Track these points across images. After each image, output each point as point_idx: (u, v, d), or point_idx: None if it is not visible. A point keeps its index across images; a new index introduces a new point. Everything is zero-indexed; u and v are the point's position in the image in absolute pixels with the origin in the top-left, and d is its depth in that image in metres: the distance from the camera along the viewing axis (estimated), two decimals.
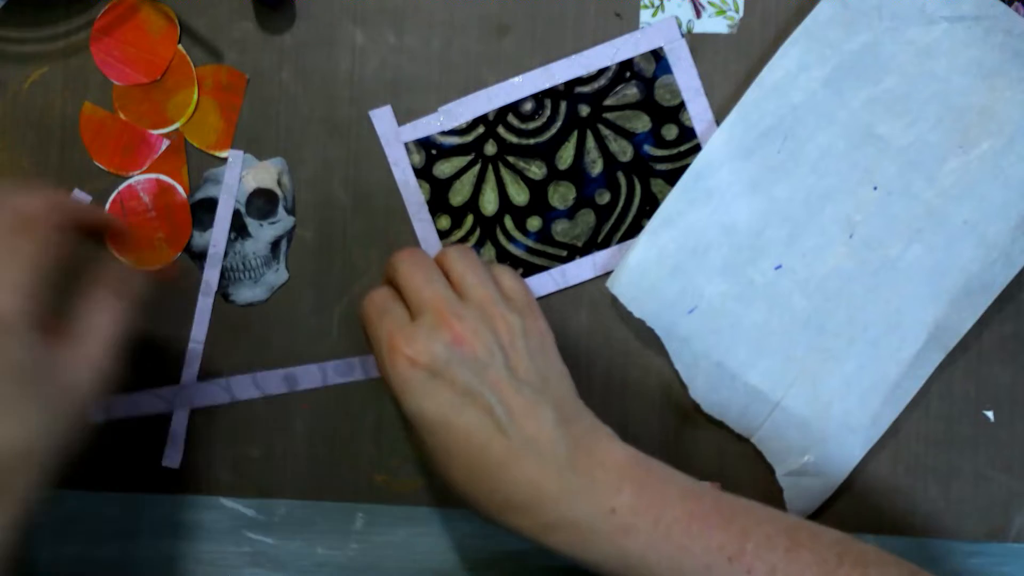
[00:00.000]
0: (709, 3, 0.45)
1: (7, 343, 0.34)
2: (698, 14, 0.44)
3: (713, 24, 0.44)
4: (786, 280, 0.43)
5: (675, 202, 0.44)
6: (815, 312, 0.43)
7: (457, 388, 0.35)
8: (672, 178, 0.45)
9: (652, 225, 0.44)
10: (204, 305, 0.45)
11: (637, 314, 0.43)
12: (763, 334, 0.43)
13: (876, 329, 0.43)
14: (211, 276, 0.45)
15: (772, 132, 0.43)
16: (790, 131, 0.43)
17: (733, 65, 0.44)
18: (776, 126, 0.43)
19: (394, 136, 0.45)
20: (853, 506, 0.44)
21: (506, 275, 0.40)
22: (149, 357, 0.45)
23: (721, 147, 0.43)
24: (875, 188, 0.43)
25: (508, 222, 0.45)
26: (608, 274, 0.44)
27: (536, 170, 0.45)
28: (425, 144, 0.45)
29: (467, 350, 0.36)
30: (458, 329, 0.36)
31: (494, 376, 0.36)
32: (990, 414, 0.44)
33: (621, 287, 0.44)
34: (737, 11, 0.44)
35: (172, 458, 0.45)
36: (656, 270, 0.43)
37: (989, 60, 0.42)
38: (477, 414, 0.35)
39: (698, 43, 0.44)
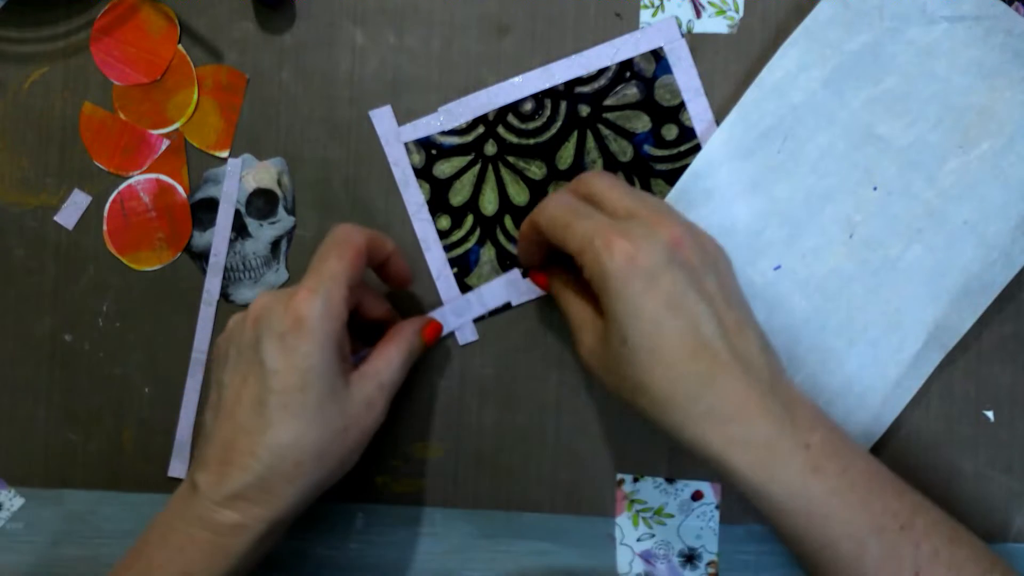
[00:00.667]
0: (709, 3, 0.44)
1: (306, 347, 0.36)
2: (698, 14, 0.44)
3: (713, 24, 0.44)
4: (786, 280, 0.43)
5: (674, 203, 0.44)
6: (815, 312, 0.43)
7: (676, 291, 0.34)
8: (672, 178, 0.45)
9: None
10: (206, 314, 0.45)
11: None
12: None
13: (876, 329, 0.43)
14: (212, 285, 0.45)
15: (772, 132, 0.43)
16: (790, 131, 0.43)
17: (733, 65, 0.44)
18: (776, 126, 0.43)
19: (394, 136, 0.45)
20: None
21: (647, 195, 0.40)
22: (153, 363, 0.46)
23: (720, 147, 0.43)
24: (875, 188, 0.43)
25: (508, 222, 0.45)
26: None
27: (536, 170, 0.45)
28: (425, 144, 0.45)
29: (685, 255, 0.35)
30: (677, 232, 0.35)
31: (708, 287, 0.35)
32: (990, 414, 0.44)
33: None
34: (737, 11, 0.44)
35: (177, 468, 0.45)
36: None
37: (989, 60, 0.42)
38: (691, 320, 0.34)
39: (698, 43, 0.44)
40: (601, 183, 0.38)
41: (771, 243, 0.43)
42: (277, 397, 0.35)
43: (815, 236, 0.43)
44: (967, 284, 0.43)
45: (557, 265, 0.42)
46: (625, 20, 0.45)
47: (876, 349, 0.43)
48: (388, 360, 0.40)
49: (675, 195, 0.44)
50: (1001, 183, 0.42)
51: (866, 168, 0.43)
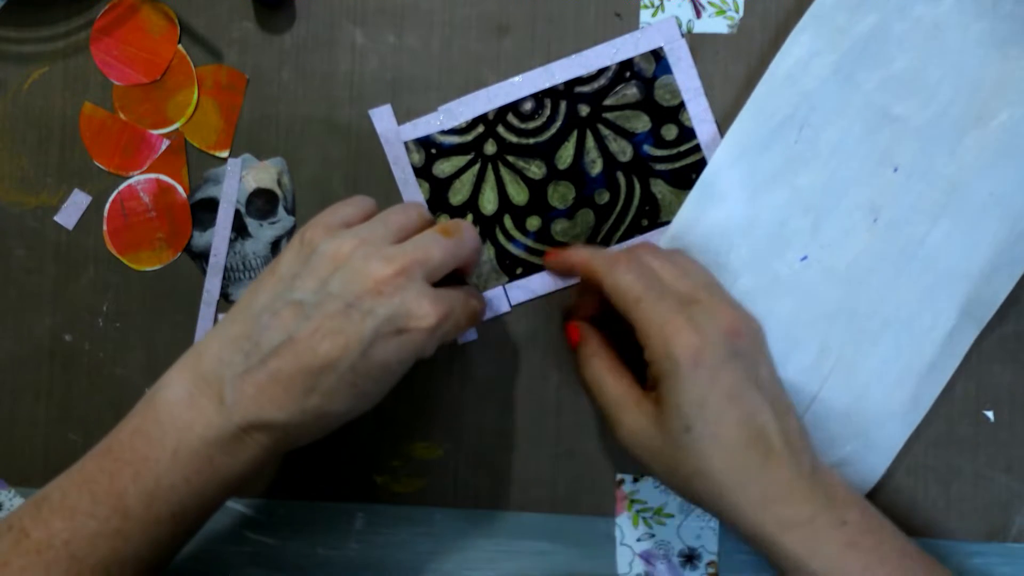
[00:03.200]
0: (709, 3, 0.44)
1: (407, 356, 0.35)
2: (698, 14, 0.44)
3: (713, 24, 0.44)
4: (813, 270, 0.43)
5: (697, 201, 0.43)
6: (845, 299, 0.43)
7: (736, 382, 0.36)
8: (672, 178, 0.45)
9: (675, 226, 0.43)
10: (207, 314, 0.45)
11: None
12: (794, 327, 0.43)
13: (908, 309, 0.43)
14: (212, 285, 0.45)
15: (788, 123, 0.43)
16: (806, 120, 0.43)
17: (733, 65, 0.44)
18: (791, 116, 0.43)
19: (394, 135, 0.45)
20: None
21: (697, 268, 0.40)
22: (154, 365, 0.46)
23: (738, 142, 0.43)
24: (895, 170, 0.43)
25: (508, 221, 0.45)
26: None
27: (536, 170, 0.45)
28: (425, 143, 0.45)
29: (742, 345, 0.36)
30: (735, 321, 0.37)
31: (763, 374, 0.37)
32: (990, 414, 0.44)
33: None
34: (737, 11, 0.44)
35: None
36: None
37: (1001, 30, 0.42)
38: (750, 410, 0.36)
39: (698, 43, 0.44)
40: (655, 261, 0.39)
41: (796, 234, 0.43)
42: (353, 377, 0.34)
43: (839, 223, 0.43)
44: (997, 256, 0.42)
45: (591, 329, 0.41)
46: (625, 20, 0.45)
47: (910, 329, 0.43)
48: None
49: (697, 192, 0.43)
50: (1023, 152, 0.42)
51: (885, 150, 0.43)
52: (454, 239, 0.37)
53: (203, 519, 0.37)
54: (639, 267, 0.38)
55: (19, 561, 0.34)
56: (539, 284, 0.45)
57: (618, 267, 0.38)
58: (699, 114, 0.45)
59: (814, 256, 0.43)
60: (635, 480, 0.45)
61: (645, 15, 0.44)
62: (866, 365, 0.43)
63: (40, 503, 0.35)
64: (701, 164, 0.44)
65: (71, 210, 0.46)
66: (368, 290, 0.34)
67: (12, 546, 0.34)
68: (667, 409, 0.36)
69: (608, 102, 0.45)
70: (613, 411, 0.38)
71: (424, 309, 0.34)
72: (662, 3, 0.44)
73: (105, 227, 0.45)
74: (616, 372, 0.39)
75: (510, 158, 0.45)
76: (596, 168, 0.45)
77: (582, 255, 0.40)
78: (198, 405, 0.35)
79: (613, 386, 0.39)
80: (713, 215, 0.43)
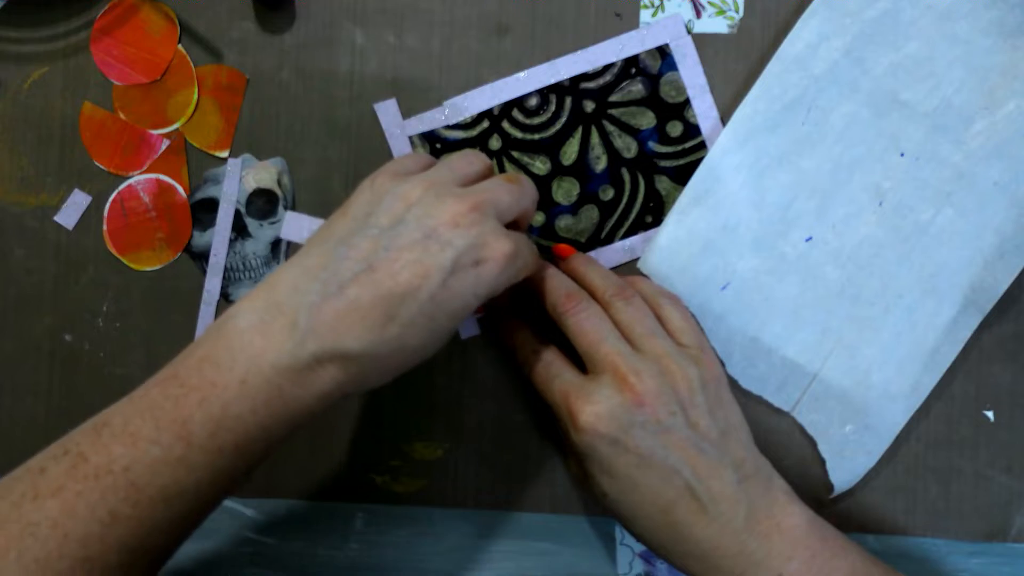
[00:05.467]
0: (709, 3, 0.44)
1: (484, 291, 0.35)
2: (698, 14, 0.44)
3: (713, 24, 0.44)
4: (818, 251, 0.43)
5: (702, 180, 0.43)
6: (849, 282, 0.43)
7: (642, 451, 0.36)
8: (676, 175, 0.45)
9: (681, 204, 0.44)
10: (207, 314, 0.45)
11: None
12: (798, 307, 0.43)
13: (911, 295, 0.43)
14: (212, 285, 0.45)
15: (796, 104, 0.43)
16: (814, 102, 0.43)
17: (733, 65, 0.44)
18: (800, 98, 0.43)
19: (399, 130, 0.45)
20: (854, 506, 0.44)
21: (674, 312, 0.40)
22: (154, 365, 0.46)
23: (745, 122, 0.43)
24: (902, 154, 0.43)
25: None
26: (612, 270, 0.44)
27: (540, 165, 0.45)
28: (430, 138, 0.45)
29: (649, 412, 0.36)
30: (639, 391, 0.36)
31: (677, 438, 0.37)
32: (990, 414, 0.44)
33: (652, 267, 0.44)
34: (737, 11, 0.44)
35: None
36: (687, 248, 0.43)
37: (1011, 19, 0.42)
38: (662, 476, 0.36)
39: (698, 43, 0.44)
40: (575, 321, 0.39)
41: (801, 215, 0.43)
42: (432, 308, 0.34)
43: (845, 206, 0.43)
44: (1001, 245, 0.43)
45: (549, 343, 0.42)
46: (625, 20, 0.45)
47: (912, 315, 0.43)
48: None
49: (702, 172, 0.44)
50: None
51: (892, 135, 0.43)
52: (519, 186, 0.38)
53: (265, 455, 0.35)
54: (550, 354, 0.40)
55: (75, 486, 0.32)
56: None
57: (537, 353, 0.40)
58: (704, 111, 0.45)
59: (819, 237, 0.43)
60: None
61: (645, 15, 0.44)
62: (867, 351, 0.43)
63: (100, 428, 0.33)
64: None
65: (71, 210, 0.46)
66: (445, 222, 0.34)
67: (68, 470, 0.33)
68: (587, 474, 0.38)
69: (613, 98, 0.45)
70: (563, 452, 0.41)
71: (500, 242, 0.35)
72: (662, 3, 0.44)
73: (105, 227, 0.45)
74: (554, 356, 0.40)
75: (515, 153, 0.45)
76: (601, 164, 0.45)
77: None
78: (271, 332, 0.33)
79: (563, 434, 0.40)
80: (724, 190, 0.43)
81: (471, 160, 0.39)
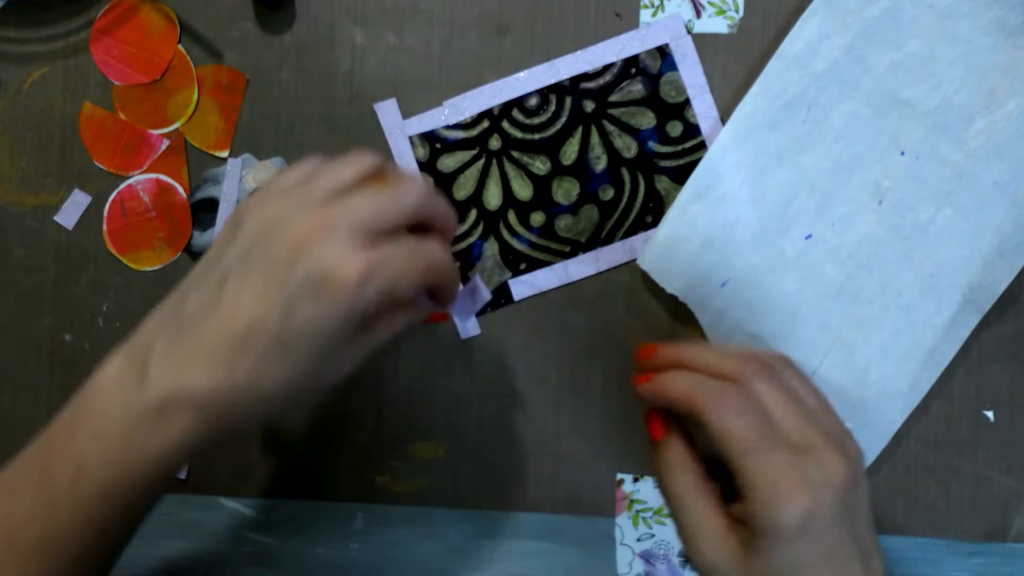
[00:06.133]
0: (709, 3, 0.44)
1: (336, 316, 0.31)
2: (698, 14, 0.44)
3: (713, 24, 0.44)
4: (817, 249, 0.43)
5: (702, 177, 0.43)
6: (848, 280, 0.43)
7: (836, 544, 0.34)
8: (676, 175, 0.45)
9: (680, 200, 0.44)
10: None
11: (669, 290, 0.43)
12: (796, 304, 0.43)
13: (910, 294, 0.43)
14: None
15: (796, 102, 0.43)
16: (814, 100, 0.43)
17: (733, 65, 0.44)
18: (800, 96, 0.43)
19: (399, 129, 0.45)
20: None
21: (809, 391, 0.37)
22: None
23: (745, 120, 0.43)
24: (902, 153, 0.43)
25: (512, 217, 0.45)
26: (611, 270, 0.44)
27: (540, 165, 0.45)
28: (430, 138, 0.45)
29: (850, 501, 0.34)
30: (849, 472, 0.34)
31: (861, 531, 0.35)
32: (990, 414, 0.44)
33: (652, 263, 0.44)
34: (737, 11, 0.44)
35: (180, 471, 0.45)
36: (686, 245, 0.43)
37: (1012, 19, 0.42)
38: (843, 568, 0.34)
39: (698, 43, 0.44)
40: (767, 392, 0.36)
41: (801, 213, 0.43)
42: (281, 344, 0.31)
43: (845, 204, 0.43)
44: (1001, 244, 0.43)
45: (679, 430, 0.38)
46: (625, 20, 0.45)
47: (911, 314, 0.43)
48: (393, 330, 0.35)
49: (703, 169, 0.43)
50: None
51: (892, 133, 0.43)
52: (388, 191, 0.33)
53: (136, 504, 0.34)
54: (749, 406, 0.35)
55: None
56: (542, 280, 0.45)
57: (726, 408, 0.35)
58: (704, 111, 0.45)
59: (819, 235, 0.43)
60: (635, 480, 0.45)
61: (645, 15, 0.44)
62: (865, 350, 0.43)
63: None
64: None
65: (71, 210, 0.46)
66: (289, 246, 0.31)
67: None
68: (758, 561, 0.34)
69: (613, 98, 0.45)
70: (692, 537, 0.36)
71: (345, 264, 0.31)
72: (662, 3, 0.44)
73: (105, 227, 0.45)
74: (703, 493, 0.36)
75: (515, 153, 0.45)
76: (600, 164, 0.45)
77: (683, 388, 0.36)
78: (125, 380, 0.32)
79: (698, 511, 0.36)
80: (723, 187, 0.43)
81: (347, 162, 0.34)
